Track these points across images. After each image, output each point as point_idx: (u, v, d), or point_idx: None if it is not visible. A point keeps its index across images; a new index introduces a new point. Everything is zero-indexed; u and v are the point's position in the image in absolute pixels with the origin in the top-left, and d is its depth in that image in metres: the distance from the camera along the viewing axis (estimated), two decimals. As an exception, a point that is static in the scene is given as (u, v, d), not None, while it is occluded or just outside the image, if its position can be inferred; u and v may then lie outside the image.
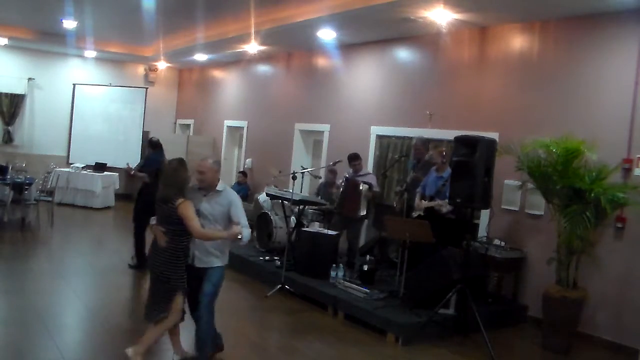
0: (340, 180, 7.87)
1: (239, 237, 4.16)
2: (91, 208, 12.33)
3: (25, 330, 4.94)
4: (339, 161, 8.08)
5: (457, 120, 7.40)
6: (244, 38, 9.67)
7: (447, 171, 6.54)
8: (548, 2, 6.11)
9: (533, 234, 6.53)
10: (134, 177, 8.05)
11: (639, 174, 5.66)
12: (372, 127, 8.83)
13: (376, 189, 7.59)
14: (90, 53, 13.40)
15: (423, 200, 6.61)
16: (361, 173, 7.67)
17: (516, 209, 6.73)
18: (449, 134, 6.84)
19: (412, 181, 7.00)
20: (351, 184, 7.47)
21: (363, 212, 7.44)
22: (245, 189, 10.95)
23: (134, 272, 7.47)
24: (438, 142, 7.49)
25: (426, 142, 7.27)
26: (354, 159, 7.69)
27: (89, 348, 4.87)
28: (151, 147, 8.04)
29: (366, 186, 7.37)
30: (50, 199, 10.20)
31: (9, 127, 13.26)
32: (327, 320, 6.05)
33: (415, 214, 6.62)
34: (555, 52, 6.52)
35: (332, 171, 8.36)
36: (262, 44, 9.90)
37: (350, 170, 7.73)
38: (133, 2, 8.78)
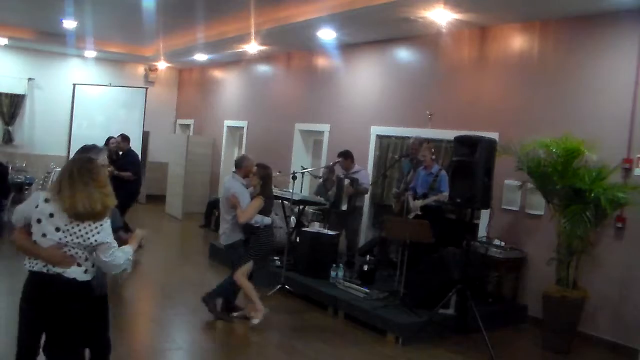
0: (334, 179, 7.93)
1: None
2: (91, 208, 12.30)
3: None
4: (338, 161, 8.09)
5: (457, 120, 7.39)
6: (244, 38, 9.66)
7: (435, 167, 6.63)
8: (548, 2, 6.11)
9: (533, 234, 6.53)
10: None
11: (639, 174, 5.65)
12: (372, 127, 8.82)
13: (366, 185, 7.63)
14: (90, 53, 13.39)
15: (417, 200, 6.61)
16: (353, 170, 7.69)
17: (516, 209, 6.72)
18: (449, 134, 6.83)
19: (410, 182, 7.01)
20: (342, 183, 7.54)
21: (344, 207, 7.47)
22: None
23: (132, 270, 7.45)
24: (438, 142, 7.49)
25: (423, 141, 7.26)
26: (339, 156, 7.77)
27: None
28: (127, 141, 8.38)
29: (348, 181, 7.43)
30: (50, 199, 10.18)
31: (9, 127, 13.24)
32: (327, 320, 6.06)
33: (412, 215, 6.62)
34: (555, 52, 6.52)
35: (331, 171, 8.37)
36: (262, 44, 9.89)
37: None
38: (133, 2, 8.77)
